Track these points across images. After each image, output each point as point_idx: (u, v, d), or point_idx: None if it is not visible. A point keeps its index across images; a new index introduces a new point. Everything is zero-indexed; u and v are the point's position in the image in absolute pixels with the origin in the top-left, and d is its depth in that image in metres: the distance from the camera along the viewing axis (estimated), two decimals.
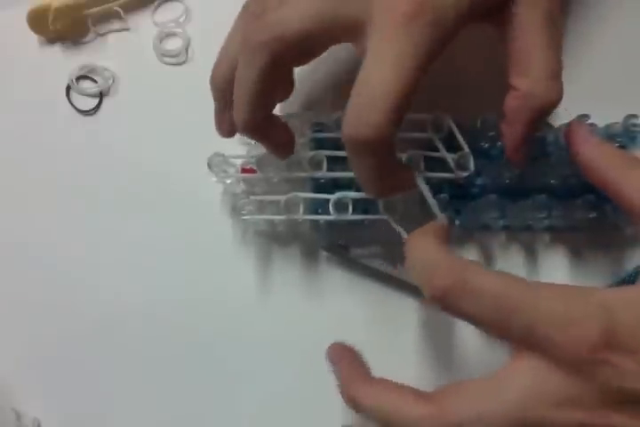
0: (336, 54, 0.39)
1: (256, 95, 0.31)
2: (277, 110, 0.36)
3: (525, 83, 0.31)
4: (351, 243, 0.37)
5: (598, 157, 0.31)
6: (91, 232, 0.39)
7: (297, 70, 0.38)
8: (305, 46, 0.30)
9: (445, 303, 0.27)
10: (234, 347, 0.37)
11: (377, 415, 0.28)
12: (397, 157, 0.32)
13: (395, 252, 0.37)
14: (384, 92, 0.28)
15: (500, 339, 0.27)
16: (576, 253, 0.37)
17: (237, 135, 0.36)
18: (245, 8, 0.33)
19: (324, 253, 0.38)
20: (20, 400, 0.37)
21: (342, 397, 0.29)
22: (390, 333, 0.37)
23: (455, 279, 0.26)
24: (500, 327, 0.26)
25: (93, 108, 0.41)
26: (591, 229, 0.36)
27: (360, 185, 0.32)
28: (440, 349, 0.36)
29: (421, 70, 0.28)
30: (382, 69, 0.28)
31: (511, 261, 0.37)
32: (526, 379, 0.26)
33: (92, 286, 0.38)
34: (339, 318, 0.37)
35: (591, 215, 0.35)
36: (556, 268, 0.37)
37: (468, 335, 0.36)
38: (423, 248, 0.29)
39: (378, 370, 0.36)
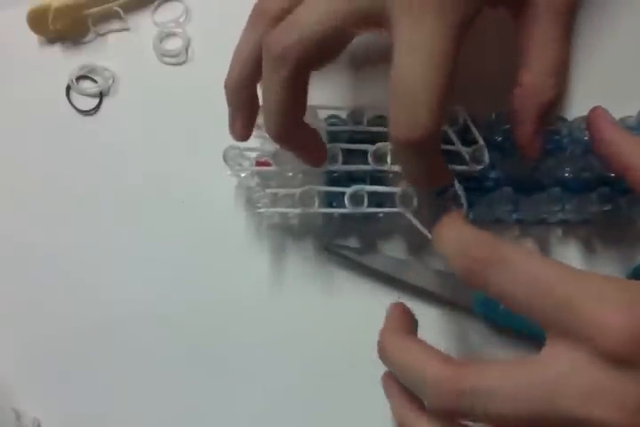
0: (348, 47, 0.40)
1: (286, 103, 0.30)
2: None
3: (528, 77, 0.32)
4: (354, 241, 0.38)
5: (622, 143, 0.30)
6: (91, 231, 0.39)
7: None
8: (327, 46, 0.30)
9: (479, 276, 0.26)
10: (245, 342, 0.37)
11: (398, 369, 0.28)
12: None
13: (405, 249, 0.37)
14: (425, 87, 0.27)
15: (534, 320, 0.25)
16: (589, 247, 0.37)
17: None
18: (257, 7, 0.33)
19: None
20: (19, 400, 0.37)
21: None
22: None
23: (493, 252, 0.26)
24: (534, 306, 0.25)
25: (93, 108, 0.41)
26: (604, 222, 0.36)
27: (407, 179, 0.32)
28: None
29: (455, 55, 0.27)
30: (416, 62, 0.27)
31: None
32: (564, 366, 0.24)
33: (93, 285, 0.38)
34: (351, 311, 0.37)
35: (605, 208, 0.35)
36: (568, 261, 0.36)
37: (467, 335, 0.36)
38: (458, 227, 0.28)
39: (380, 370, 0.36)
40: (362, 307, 0.37)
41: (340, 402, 0.36)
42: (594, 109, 0.32)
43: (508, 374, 0.25)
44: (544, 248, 0.37)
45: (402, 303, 0.32)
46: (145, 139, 0.40)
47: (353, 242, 0.38)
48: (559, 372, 0.24)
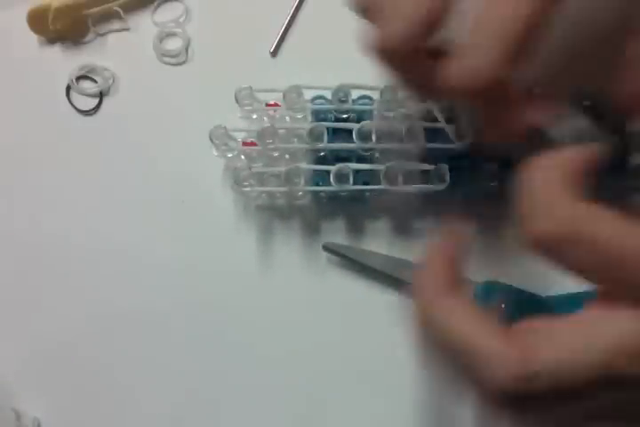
0: (340, 27, 0.40)
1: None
2: (280, 83, 0.36)
3: None
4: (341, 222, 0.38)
5: None
6: (91, 230, 0.39)
7: (300, 45, 0.38)
8: None
9: (550, 252, 0.23)
10: (235, 320, 0.37)
11: (446, 338, 0.24)
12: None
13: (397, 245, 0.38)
14: (502, 31, 0.25)
15: (602, 286, 0.24)
16: None
17: (238, 109, 0.37)
18: None
19: (324, 227, 0.38)
20: (19, 400, 0.37)
21: (414, 301, 0.25)
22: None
23: (568, 229, 0.23)
24: (607, 278, 0.23)
25: (93, 108, 0.41)
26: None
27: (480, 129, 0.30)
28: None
29: (546, 9, 0.25)
30: (503, 5, 0.25)
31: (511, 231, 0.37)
32: (625, 326, 0.22)
33: (92, 284, 0.38)
34: (338, 291, 0.37)
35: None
36: None
37: None
38: (542, 182, 0.25)
39: (381, 345, 0.36)
40: (349, 287, 0.37)
41: (332, 383, 0.36)
42: None
43: (572, 346, 0.22)
44: None
45: (451, 233, 0.27)
46: (144, 138, 0.40)
47: (340, 223, 0.38)
48: (621, 334, 0.22)
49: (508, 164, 0.36)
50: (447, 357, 0.24)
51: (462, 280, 0.25)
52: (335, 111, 0.37)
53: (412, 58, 0.28)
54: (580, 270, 0.23)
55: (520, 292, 0.35)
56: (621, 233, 0.23)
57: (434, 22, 0.27)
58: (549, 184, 0.24)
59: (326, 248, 0.37)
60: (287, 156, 0.37)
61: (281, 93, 0.36)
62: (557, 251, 0.23)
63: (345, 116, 0.37)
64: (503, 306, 0.35)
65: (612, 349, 0.22)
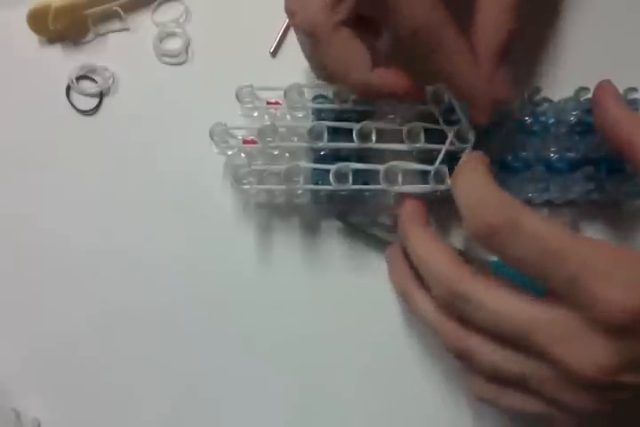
0: None
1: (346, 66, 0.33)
2: (280, 83, 0.36)
3: (478, 18, 0.33)
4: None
5: (623, 120, 0.31)
6: (91, 230, 0.39)
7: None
8: None
9: (490, 242, 0.26)
10: (233, 319, 0.38)
11: (416, 255, 0.30)
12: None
13: None
14: None
15: (540, 283, 0.26)
16: (574, 229, 0.38)
17: (238, 109, 0.37)
18: None
19: (323, 226, 0.38)
20: (20, 400, 0.37)
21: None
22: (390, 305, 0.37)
23: (506, 219, 0.26)
24: (543, 274, 0.26)
25: (93, 108, 0.41)
26: (590, 204, 0.37)
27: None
28: None
29: None
30: None
31: None
32: (555, 313, 0.26)
33: (92, 284, 0.38)
34: (338, 290, 0.37)
35: (589, 188, 0.35)
36: None
37: None
38: (473, 182, 0.28)
39: (379, 341, 0.37)
40: (346, 286, 0.37)
41: (334, 382, 0.37)
42: (600, 83, 0.33)
43: (500, 295, 0.27)
44: None
45: (416, 200, 0.34)
46: (144, 139, 0.40)
47: (339, 222, 0.38)
48: (547, 316, 0.26)
49: (507, 167, 0.36)
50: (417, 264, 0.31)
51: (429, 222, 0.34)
52: (336, 111, 0.37)
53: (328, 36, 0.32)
54: (516, 261, 0.26)
55: None
56: (546, 225, 0.26)
57: None
58: (479, 181, 0.28)
59: (339, 217, 0.37)
60: (287, 154, 0.37)
61: (282, 92, 0.36)
62: (496, 241, 0.26)
63: (346, 115, 0.37)
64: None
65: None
